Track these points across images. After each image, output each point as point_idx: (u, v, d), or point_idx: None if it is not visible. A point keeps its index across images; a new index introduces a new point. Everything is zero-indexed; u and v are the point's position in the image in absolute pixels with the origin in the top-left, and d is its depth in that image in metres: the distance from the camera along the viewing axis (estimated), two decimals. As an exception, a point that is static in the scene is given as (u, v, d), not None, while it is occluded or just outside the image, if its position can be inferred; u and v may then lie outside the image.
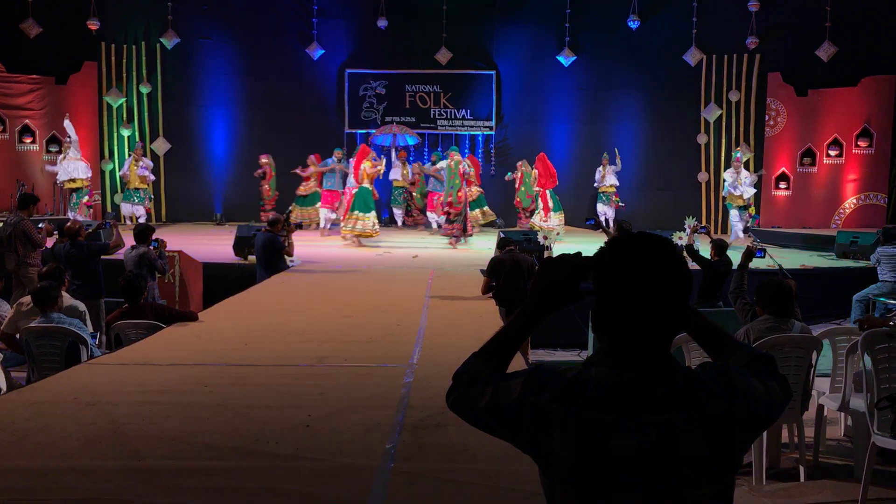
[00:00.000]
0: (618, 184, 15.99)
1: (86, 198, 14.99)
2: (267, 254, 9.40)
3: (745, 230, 14.33)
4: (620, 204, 15.87)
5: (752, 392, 1.55)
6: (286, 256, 9.69)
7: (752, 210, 14.94)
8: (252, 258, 10.26)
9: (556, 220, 14.65)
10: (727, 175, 14.81)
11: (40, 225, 9.13)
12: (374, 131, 17.21)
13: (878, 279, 9.80)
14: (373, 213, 13.16)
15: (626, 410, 1.49)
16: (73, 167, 14.86)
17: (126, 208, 15.93)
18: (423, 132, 17.41)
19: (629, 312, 1.53)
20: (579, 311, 8.13)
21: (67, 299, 6.33)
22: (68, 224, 8.54)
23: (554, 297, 1.64)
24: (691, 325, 1.73)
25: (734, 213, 14.63)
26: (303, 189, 15.79)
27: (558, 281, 1.62)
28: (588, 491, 1.49)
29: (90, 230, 9.12)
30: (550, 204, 14.65)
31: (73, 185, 14.90)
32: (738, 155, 14.92)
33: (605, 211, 16.00)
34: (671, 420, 1.48)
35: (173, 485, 3.13)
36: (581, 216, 16.72)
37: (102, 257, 8.43)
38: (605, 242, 1.60)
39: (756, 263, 7.17)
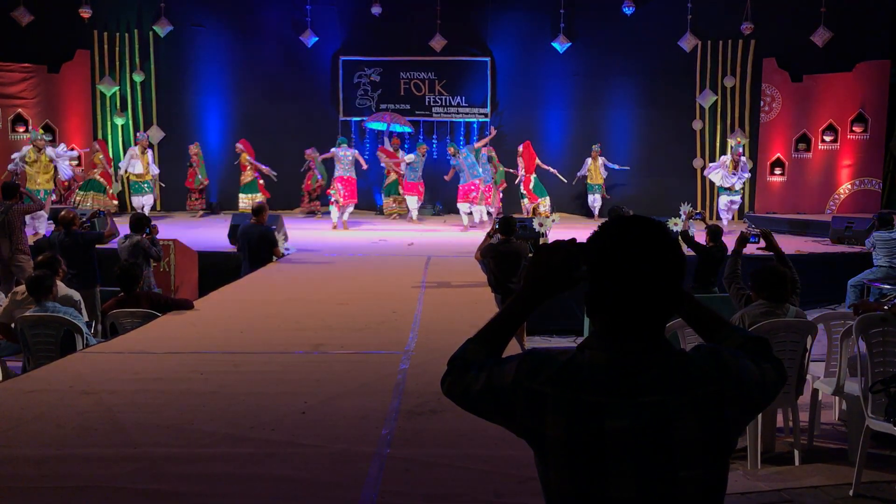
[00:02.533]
0: (605, 174, 16.02)
1: (53, 196, 14.29)
2: (262, 247, 9.09)
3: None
4: (606, 196, 16.00)
5: (746, 374, 1.56)
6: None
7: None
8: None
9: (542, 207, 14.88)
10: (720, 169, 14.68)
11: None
12: (367, 118, 17.14)
13: (872, 264, 9.83)
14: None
15: (619, 392, 1.49)
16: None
17: (137, 200, 15.32)
18: (417, 119, 17.35)
19: (622, 295, 1.53)
20: (575, 298, 8.13)
21: (62, 288, 6.31)
22: (63, 213, 8.51)
23: (549, 283, 1.65)
24: (685, 309, 1.74)
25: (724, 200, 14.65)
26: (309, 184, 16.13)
27: (553, 267, 1.63)
28: (582, 473, 1.49)
29: (84, 219, 9.09)
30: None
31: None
32: (740, 149, 14.82)
33: (594, 200, 16.04)
34: (664, 402, 1.48)
35: (169, 472, 3.14)
36: (576, 202, 16.75)
37: (97, 246, 8.41)
38: (599, 226, 1.60)
39: (751, 249, 7.18)
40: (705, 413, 1.49)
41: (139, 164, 15.03)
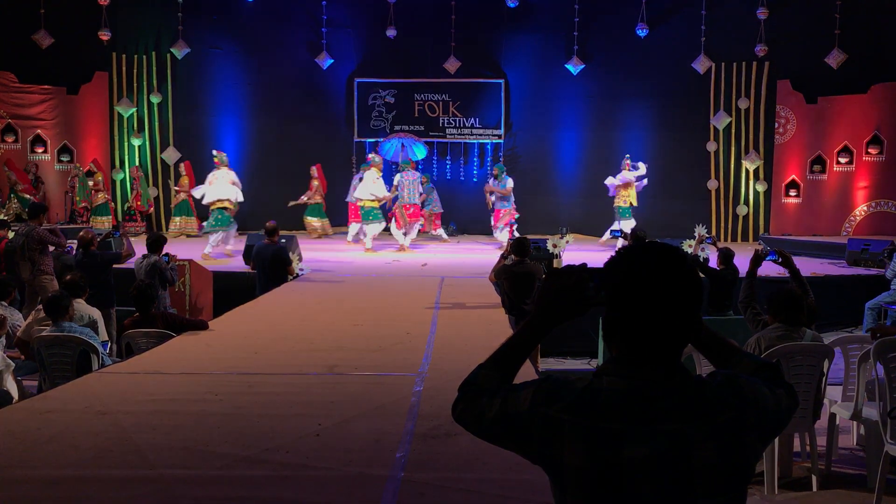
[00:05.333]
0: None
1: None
2: (275, 266, 9.19)
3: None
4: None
5: (762, 400, 1.55)
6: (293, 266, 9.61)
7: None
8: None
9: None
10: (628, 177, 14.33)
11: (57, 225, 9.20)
12: (381, 139, 17.24)
13: (888, 287, 9.74)
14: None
15: (638, 420, 1.48)
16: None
17: (371, 228, 13.75)
18: (431, 141, 17.44)
19: (640, 322, 1.53)
20: (589, 320, 8.10)
21: (84, 307, 6.35)
22: (81, 233, 8.59)
23: (560, 308, 1.65)
24: (695, 337, 1.72)
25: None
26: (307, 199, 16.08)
27: (564, 293, 1.63)
28: (599, 500, 1.49)
29: (99, 239, 9.16)
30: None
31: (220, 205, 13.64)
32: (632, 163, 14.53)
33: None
34: (683, 429, 1.48)
35: (183, 493, 3.14)
36: (591, 224, 16.72)
37: (114, 266, 8.47)
38: (617, 251, 1.61)
39: (766, 271, 7.13)
40: (725, 440, 1.49)
41: (380, 187, 13.69)
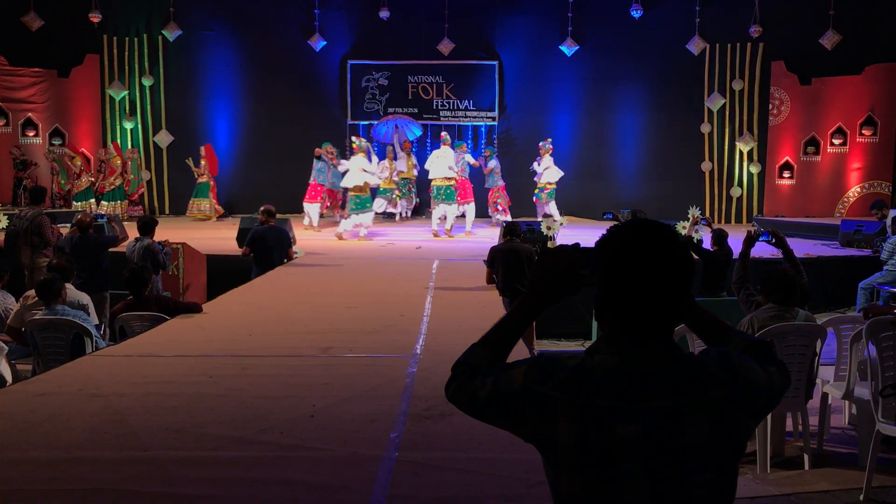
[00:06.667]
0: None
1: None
2: (279, 249, 9.15)
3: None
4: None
5: (754, 377, 1.55)
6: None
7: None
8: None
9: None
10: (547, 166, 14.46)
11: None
12: (376, 122, 17.19)
13: (881, 267, 9.78)
14: None
15: (630, 397, 1.48)
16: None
17: (441, 209, 13.70)
18: (425, 123, 17.37)
19: (632, 299, 1.53)
20: (583, 301, 8.11)
21: (72, 292, 6.34)
22: (79, 216, 8.58)
23: (553, 288, 1.64)
24: (688, 315, 1.72)
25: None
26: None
27: (557, 272, 1.62)
28: (592, 478, 1.49)
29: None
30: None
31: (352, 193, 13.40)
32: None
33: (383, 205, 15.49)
34: (675, 406, 1.48)
35: (178, 475, 3.15)
36: (586, 206, 16.72)
37: (109, 249, 8.46)
38: (609, 229, 1.60)
39: (760, 252, 7.13)
40: (717, 417, 1.49)
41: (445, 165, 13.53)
